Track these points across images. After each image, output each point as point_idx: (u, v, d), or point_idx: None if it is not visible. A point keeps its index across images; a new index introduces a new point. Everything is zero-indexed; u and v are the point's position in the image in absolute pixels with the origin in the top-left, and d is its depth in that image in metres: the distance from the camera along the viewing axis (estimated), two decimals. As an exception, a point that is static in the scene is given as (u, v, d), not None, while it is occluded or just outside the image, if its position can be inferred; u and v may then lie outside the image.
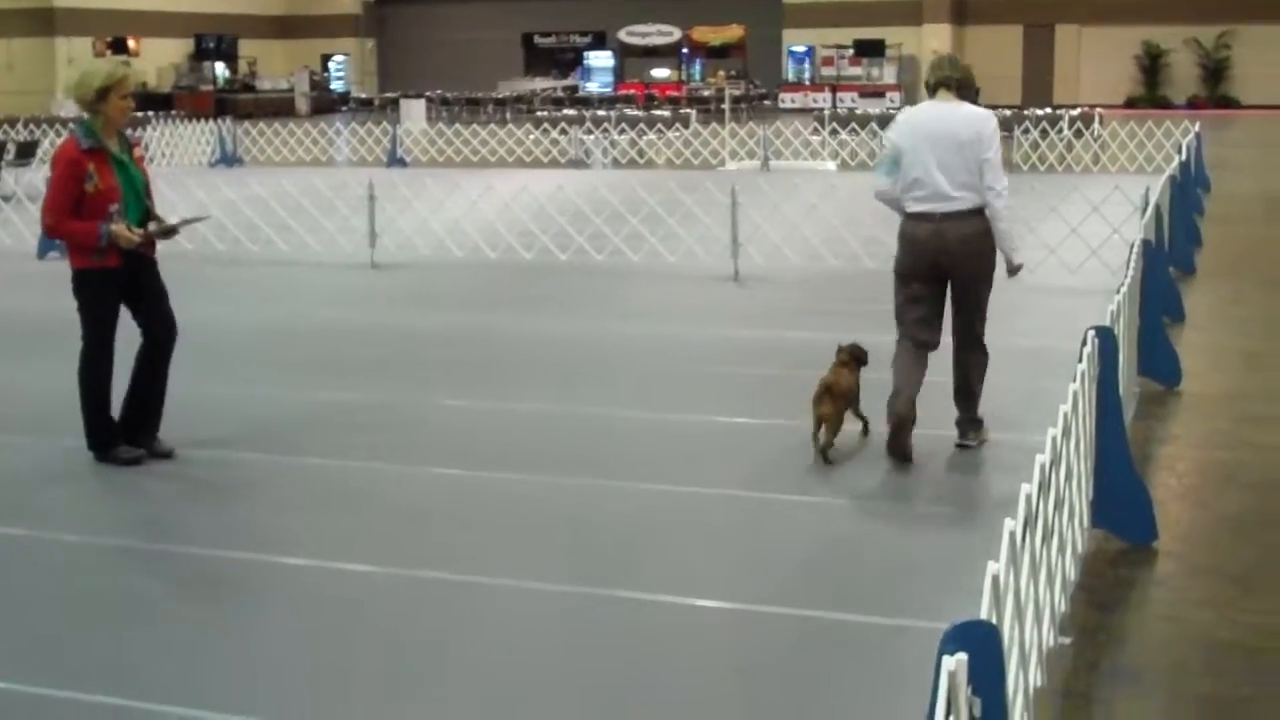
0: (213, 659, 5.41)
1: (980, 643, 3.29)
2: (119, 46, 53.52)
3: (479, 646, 5.52)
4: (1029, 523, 4.42)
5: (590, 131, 31.24)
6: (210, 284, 14.31)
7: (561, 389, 9.60)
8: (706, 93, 47.74)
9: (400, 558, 6.39)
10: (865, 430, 8.20)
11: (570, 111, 36.51)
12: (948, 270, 7.92)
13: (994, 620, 3.59)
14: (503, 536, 6.76)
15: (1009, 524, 4.07)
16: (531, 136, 31.23)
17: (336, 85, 59.56)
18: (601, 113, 34.77)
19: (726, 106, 33.62)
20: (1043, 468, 4.76)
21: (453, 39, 61.42)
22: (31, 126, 34.56)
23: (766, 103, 49.55)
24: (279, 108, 51.82)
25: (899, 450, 7.69)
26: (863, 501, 7.12)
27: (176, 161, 31.11)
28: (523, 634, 5.64)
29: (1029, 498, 4.42)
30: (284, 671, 5.29)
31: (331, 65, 60.68)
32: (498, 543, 6.67)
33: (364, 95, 56.97)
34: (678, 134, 31.63)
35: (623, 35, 55.31)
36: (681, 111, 36.83)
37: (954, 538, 6.57)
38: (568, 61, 57.10)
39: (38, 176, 18.39)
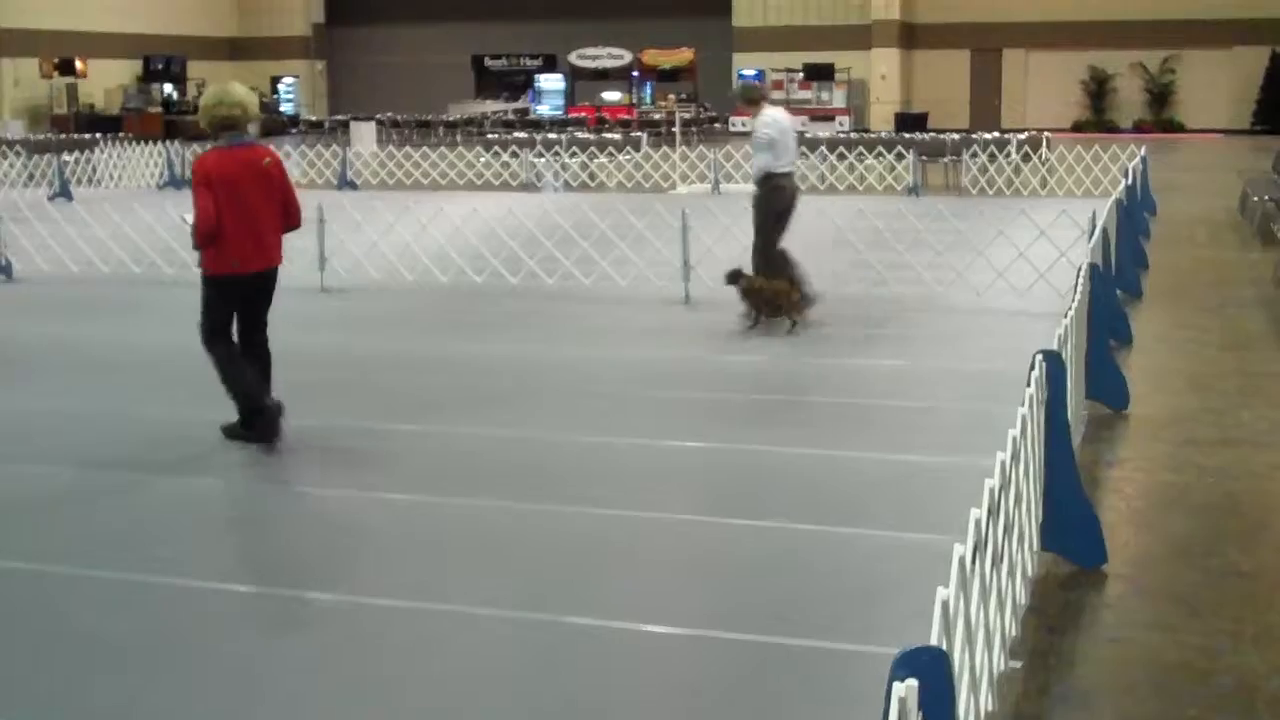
0: (175, 689, 5.35)
1: (930, 668, 3.29)
2: (67, 68, 53.19)
3: (428, 674, 5.48)
4: (979, 547, 4.44)
5: (541, 154, 31.25)
6: (155, 307, 14.20)
7: (513, 413, 9.58)
8: (657, 116, 47.85)
9: (347, 584, 6.34)
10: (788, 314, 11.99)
11: (521, 134, 36.50)
12: (793, 207, 12.86)
13: (944, 645, 3.59)
14: (452, 562, 6.73)
15: (958, 549, 4.08)
16: (482, 160, 31.20)
17: (286, 107, 59.39)
18: (552, 135, 34.77)
19: (677, 130, 33.70)
20: (992, 492, 4.77)
21: (403, 61, 61.40)
22: (-24, 149, 34.23)
23: (717, 126, 49.74)
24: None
25: (807, 300, 12.41)
26: (813, 526, 7.12)
27: (124, 184, 30.89)
28: (472, 660, 5.61)
29: (978, 522, 4.43)
30: (230, 698, 5.24)
31: (281, 87, 60.51)
32: (447, 568, 6.63)
33: (314, 118, 56.87)
34: (628, 157, 31.68)
35: (573, 58, 55.38)
36: (632, 135, 36.89)
37: (904, 562, 6.58)
38: (518, 84, 57.13)
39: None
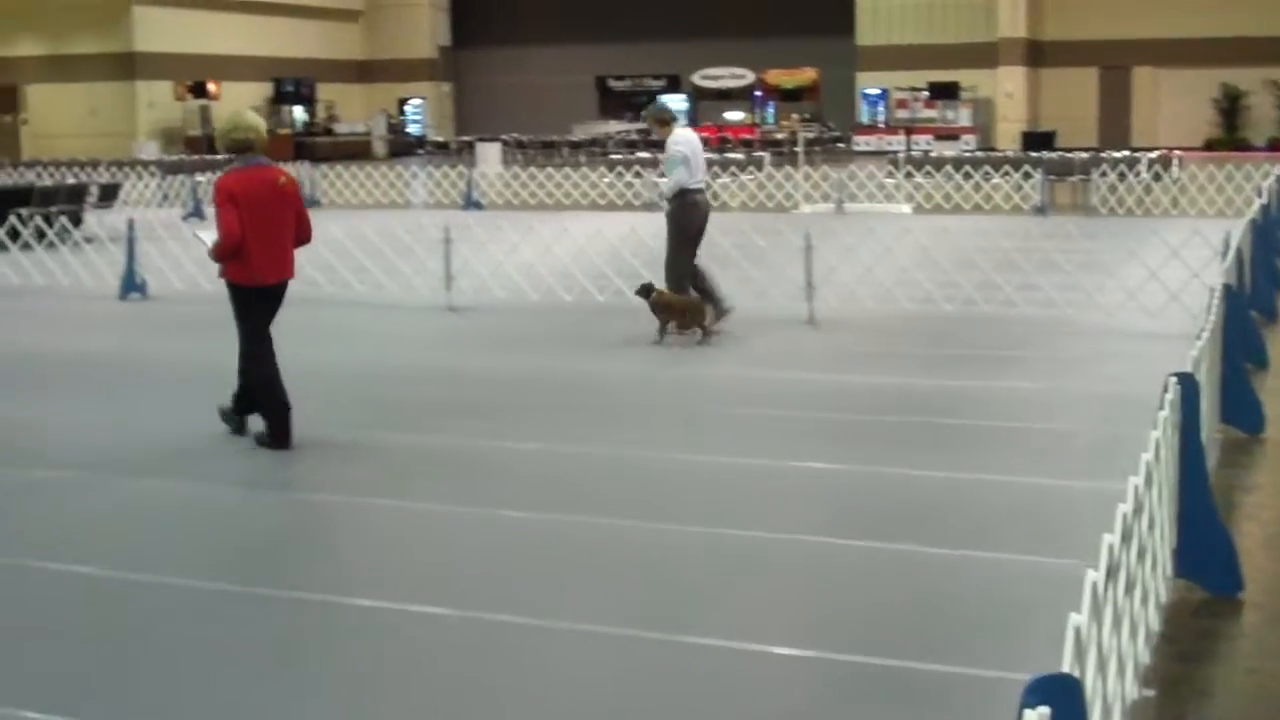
0: (284, 701, 5.41)
1: (1063, 696, 3.23)
2: (199, 90, 54.30)
3: (541, 691, 5.49)
4: (1111, 573, 4.36)
5: (664, 174, 31.29)
6: (287, 326, 14.42)
7: (634, 432, 9.59)
8: (780, 135, 47.76)
9: (466, 600, 6.37)
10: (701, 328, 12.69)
11: (644, 154, 36.62)
12: (706, 221, 13.40)
13: (1076, 673, 3.53)
14: (569, 580, 6.74)
15: (1091, 574, 4.01)
16: (606, 179, 31.35)
17: (413, 129, 60.15)
18: (675, 156, 34.80)
19: (800, 149, 33.60)
20: (1125, 516, 4.68)
21: (528, 83, 61.89)
22: (114, 169, 35.08)
23: (840, 145, 49.53)
24: (356, 151, 52.41)
25: (721, 311, 13.17)
26: (938, 549, 7.03)
27: (255, 204, 31.38)
28: (585, 679, 5.61)
29: (1111, 547, 4.36)
30: (350, 713, 5.29)
31: (408, 109, 61.29)
32: (563, 586, 6.64)
33: (440, 139, 57.52)
34: (751, 177, 31.65)
35: (696, 78, 55.52)
36: (755, 154, 36.85)
37: (1034, 587, 6.48)
38: (641, 105, 57.30)
39: (119, 219, 18.67)
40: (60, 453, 9.29)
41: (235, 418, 9.45)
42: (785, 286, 14.75)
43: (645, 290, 12.99)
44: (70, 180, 28.62)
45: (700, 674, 5.63)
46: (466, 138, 52.91)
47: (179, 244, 18.12)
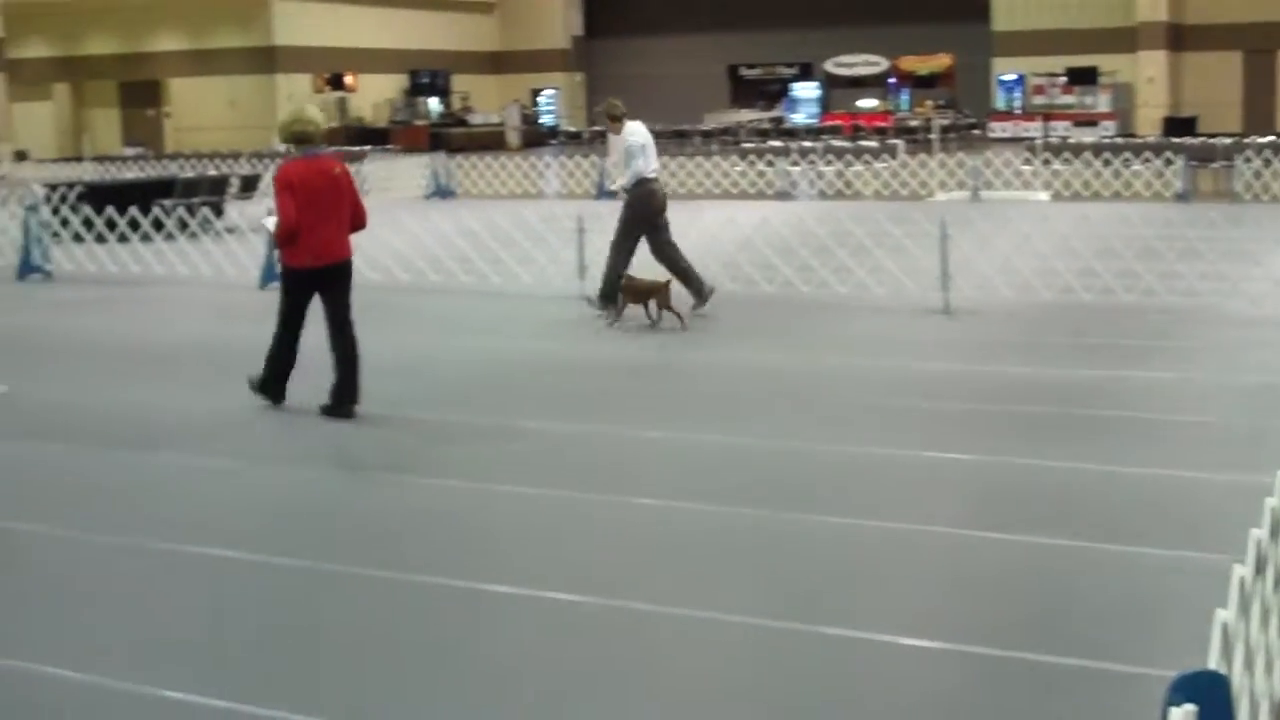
0: (416, 684, 5.47)
1: (1209, 693, 3.17)
2: (337, 83, 55.10)
3: (673, 679, 5.50)
4: (1259, 568, 4.26)
5: (796, 163, 31.18)
6: (422, 314, 14.61)
7: (765, 422, 9.56)
8: (914, 123, 47.33)
9: (601, 587, 6.40)
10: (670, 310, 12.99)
11: (776, 143, 36.50)
12: (665, 207, 14.06)
13: (1223, 670, 3.46)
14: (707, 568, 6.74)
15: (1238, 569, 3.93)
16: (738, 168, 31.28)
17: (546, 119, 60.49)
18: (808, 144, 34.66)
19: (935, 136, 33.31)
20: (1273, 510, 4.58)
21: (660, 72, 61.92)
22: (254, 161, 35.74)
23: (976, 132, 48.91)
24: (490, 141, 52.82)
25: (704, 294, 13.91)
26: (1080, 542, 6.93)
27: (393, 195, 31.86)
28: (718, 668, 5.61)
29: (1259, 542, 4.26)
30: (483, 696, 5.34)
31: (541, 99, 61.65)
32: (702, 574, 6.65)
33: (573, 129, 57.77)
34: (885, 165, 31.39)
35: (829, 66, 55.17)
36: (889, 142, 36.54)
37: (1179, 582, 6.36)
38: (773, 93, 57.17)
39: (260, 209, 18.99)
40: (200, 439, 9.49)
41: (268, 389, 10.17)
42: (920, 276, 14.61)
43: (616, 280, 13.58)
44: (212, 172, 29.21)
45: (832, 664, 5.61)
46: (599, 127, 53.11)
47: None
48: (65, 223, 20.50)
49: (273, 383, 10.10)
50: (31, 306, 16.07)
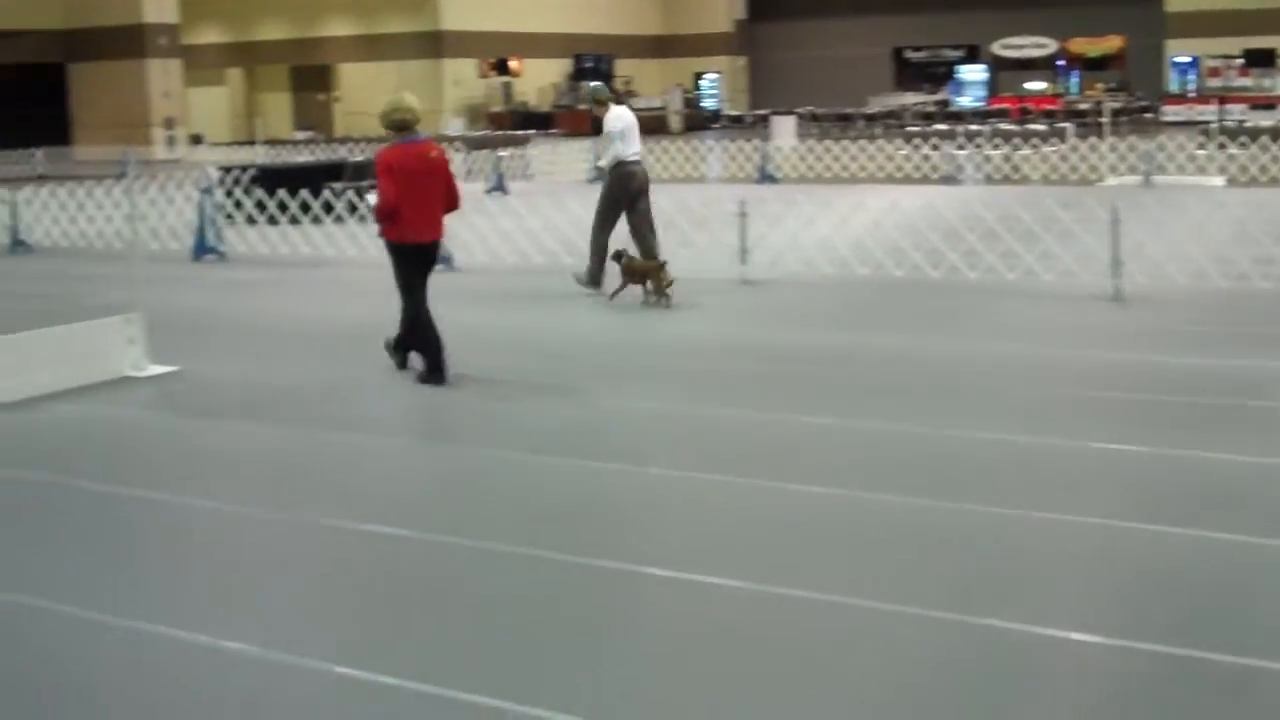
0: (577, 667, 5.49)
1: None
2: (502, 67, 55.64)
3: (830, 667, 5.44)
4: None
5: (962, 146, 30.75)
6: (579, 299, 14.66)
7: (931, 409, 9.43)
8: (1084, 106, 46.42)
9: (765, 574, 6.36)
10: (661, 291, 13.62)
11: (942, 126, 36.03)
12: (645, 188, 14.57)
13: None
14: (869, 557, 6.67)
15: None
16: (902, 152, 30.93)
17: (708, 103, 60.44)
18: (974, 127, 34.16)
19: (1105, 120, 32.61)
20: None
21: (823, 55, 61.55)
22: (421, 145, 36.11)
23: (1148, 116, 47.79)
24: (653, 125, 52.81)
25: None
26: (1246, 537, 6.71)
27: (556, 178, 32.08)
28: (875, 657, 5.53)
29: None
30: (648, 683, 5.34)
31: (704, 83, 61.61)
32: (863, 563, 6.58)
33: (735, 112, 57.67)
34: (1054, 148, 30.81)
35: (996, 48, 54.31)
36: (1058, 125, 35.86)
37: (1357, 580, 6.13)
38: (939, 76, 56.48)
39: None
40: (367, 416, 9.64)
41: (398, 354, 10.91)
42: (1090, 263, 14.30)
43: (617, 255, 14.12)
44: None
45: (994, 657, 5.51)
46: (761, 111, 52.99)
47: (483, 217, 18.61)
48: (238, 205, 20.99)
49: (435, 359, 10.55)
50: (205, 287, 16.47)
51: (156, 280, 14.72)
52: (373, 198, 10.62)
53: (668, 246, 16.53)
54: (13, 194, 21.61)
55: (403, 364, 10.90)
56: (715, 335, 12.51)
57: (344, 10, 56.04)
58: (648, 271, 13.92)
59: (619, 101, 15.01)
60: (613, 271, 14.24)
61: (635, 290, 13.99)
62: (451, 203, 10.69)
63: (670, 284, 13.75)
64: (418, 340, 10.65)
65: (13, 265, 19.30)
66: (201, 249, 18.88)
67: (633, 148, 14.46)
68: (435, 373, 10.50)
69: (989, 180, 28.34)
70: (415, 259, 10.55)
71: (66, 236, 21.16)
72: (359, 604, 6.26)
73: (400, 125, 10.58)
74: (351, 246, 18.31)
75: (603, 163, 15.00)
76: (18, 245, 20.68)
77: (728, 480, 7.91)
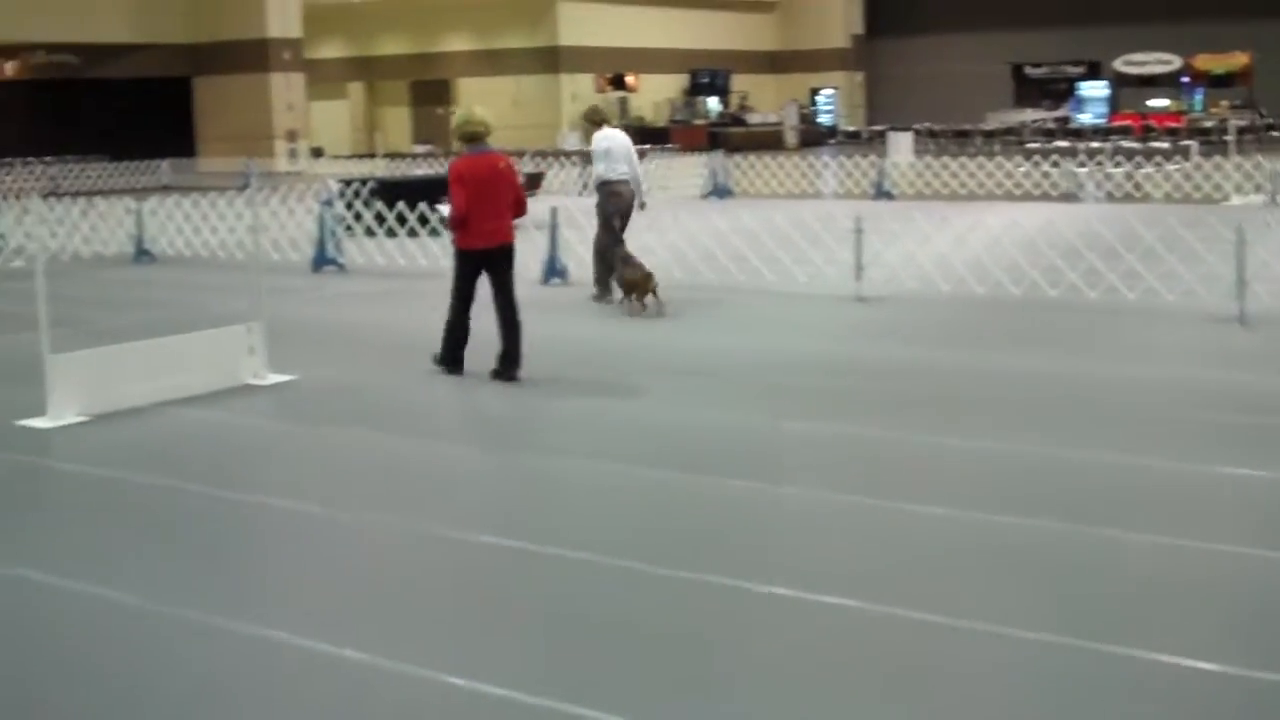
0: (691, 687, 5.47)
1: None
2: (619, 82, 55.84)
3: (946, 692, 5.36)
4: None
5: (1083, 164, 30.34)
6: (698, 312, 14.66)
7: (1049, 430, 9.29)
8: (1209, 123, 45.57)
9: (879, 594, 6.30)
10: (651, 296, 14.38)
11: (1062, 143, 35.59)
12: (629, 207, 15.16)
13: None
14: (986, 580, 6.57)
15: None
16: (1021, 169, 30.58)
17: (824, 119, 60.24)
18: (1095, 144, 33.69)
19: (1231, 138, 31.97)
20: None
21: (941, 71, 61.09)
22: (537, 159, 36.44)
23: (1274, 134, 46.82)
24: (768, 141, 52.84)
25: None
26: (1387, 566, 6.53)
27: (671, 192, 32.12)
28: (996, 682, 5.44)
29: None
30: (754, 697, 5.30)
31: (819, 99, 61.42)
32: (981, 586, 6.48)
33: (851, 128, 57.40)
34: (1177, 167, 30.30)
35: (1118, 64, 53.57)
36: (1181, 143, 35.28)
37: None
38: (1059, 92, 55.83)
39: (543, 207, 19.35)
40: (479, 428, 9.70)
41: (452, 357, 11.42)
42: (1214, 283, 14.03)
43: (611, 267, 15.03)
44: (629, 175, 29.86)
45: (1119, 686, 5.39)
46: (878, 127, 52.69)
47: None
48: (358, 217, 21.24)
49: (451, 355, 11.32)
50: (323, 298, 16.68)
51: (276, 291, 14.93)
52: (445, 208, 11.17)
53: (782, 264, 16.49)
54: (138, 204, 22.05)
55: (458, 368, 11.41)
56: (829, 352, 12.43)
57: (463, 26, 56.59)
58: (637, 283, 14.46)
59: (607, 122, 15.65)
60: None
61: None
62: (519, 210, 11.33)
63: (653, 290, 14.46)
64: (447, 331, 11.31)
65: (137, 274, 19.69)
66: (321, 260, 19.13)
67: (618, 168, 15.09)
68: (449, 359, 11.32)
69: (1110, 198, 27.93)
70: (481, 264, 11.17)
71: (190, 246, 21.55)
72: (469, 614, 6.29)
73: (472, 137, 11.23)
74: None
75: (591, 182, 15.76)
76: (142, 254, 21.10)
77: (847, 499, 7.85)
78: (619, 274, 14.73)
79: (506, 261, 11.26)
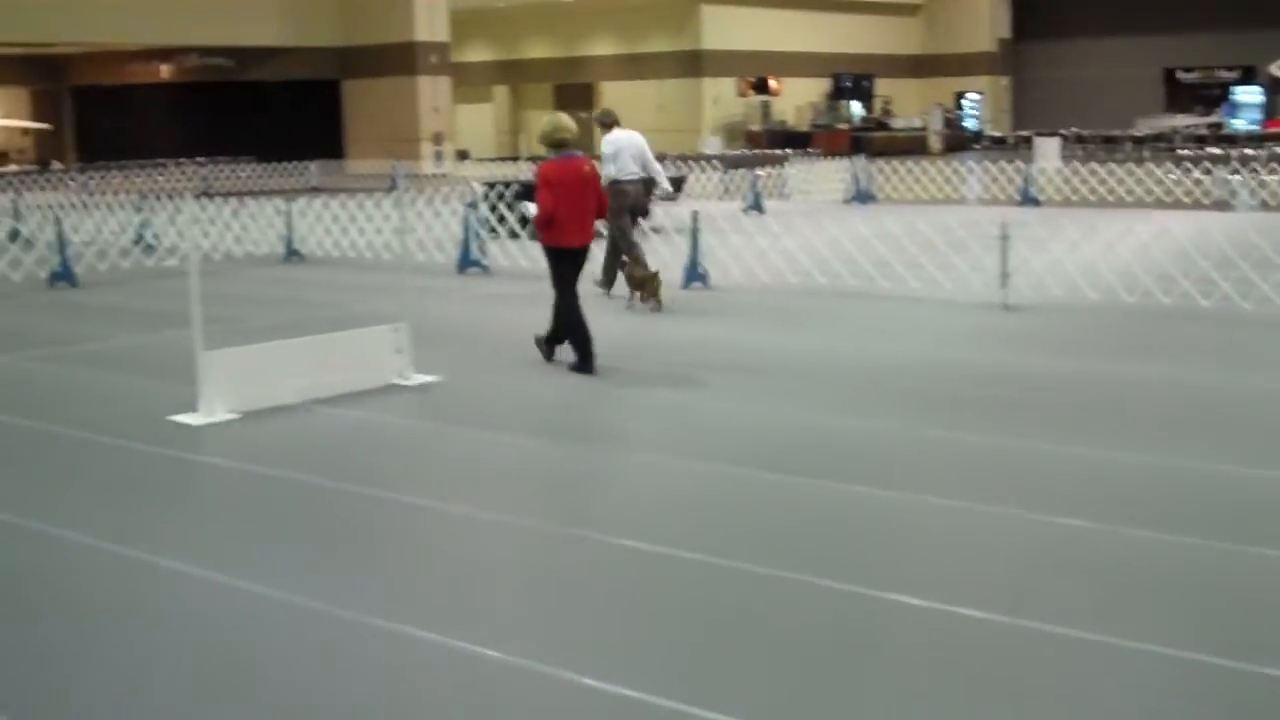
0: (817, 689, 5.44)
1: None
2: (761, 87, 55.75)
3: (1084, 708, 5.26)
4: None
5: (1236, 171, 29.66)
6: (841, 318, 14.59)
7: (1199, 445, 9.08)
8: (1368, 130, 44.32)
9: (1014, 607, 6.19)
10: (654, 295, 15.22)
11: (1214, 150, 34.82)
12: (635, 206, 15.94)
13: None
14: (1127, 595, 6.44)
15: None
16: (1171, 176, 29.97)
17: (969, 123, 59.58)
18: (1249, 151, 32.92)
19: (1393, 145, 31.03)
20: None
21: (1089, 75, 60.12)
22: (679, 163, 36.50)
23: None
24: (911, 145, 52.40)
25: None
26: None
27: (813, 198, 31.99)
28: (1145, 702, 5.34)
29: None
30: (885, 707, 5.25)
31: (965, 103, 60.76)
32: (1122, 601, 6.35)
33: (997, 133, 56.71)
34: (1336, 175, 29.50)
35: (1274, 69, 52.28)
36: (1340, 150, 34.34)
37: None
38: (1212, 98, 54.64)
39: (684, 211, 19.39)
40: (621, 432, 9.72)
41: (546, 348, 12.23)
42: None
43: (621, 264, 15.89)
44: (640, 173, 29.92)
45: (1257, 708, 5.26)
46: (1024, 132, 51.98)
47: (740, 236, 18.65)
48: (502, 220, 21.45)
49: (583, 357, 11.81)
50: (467, 299, 16.86)
51: (422, 292, 15.13)
52: (532, 208, 11.76)
53: (926, 270, 16.34)
54: (288, 205, 22.48)
55: (550, 356, 12.18)
56: (973, 360, 12.28)
57: (607, 30, 56.91)
58: (644, 280, 15.26)
59: (617, 125, 16.30)
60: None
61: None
62: (601, 211, 12.11)
63: (658, 289, 15.26)
64: (570, 334, 11.89)
65: (287, 274, 20.07)
66: (465, 262, 19.34)
67: (628, 169, 15.83)
68: (585, 362, 11.77)
69: (1264, 207, 27.27)
70: (567, 260, 11.86)
71: (337, 247, 21.93)
72: (607, 616, 6.31)
73: (559, 144, 11.88)
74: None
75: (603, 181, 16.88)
76: (292, 254, 21.51)
77: (987, 509, 7.75)
78: (627, 271, 15.56)
79: (583, 260, 12.04)
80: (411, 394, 11.20)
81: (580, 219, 11.81)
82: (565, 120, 12.04)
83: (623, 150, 15.92)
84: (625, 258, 15.82)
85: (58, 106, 53.77)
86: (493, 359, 12.67)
